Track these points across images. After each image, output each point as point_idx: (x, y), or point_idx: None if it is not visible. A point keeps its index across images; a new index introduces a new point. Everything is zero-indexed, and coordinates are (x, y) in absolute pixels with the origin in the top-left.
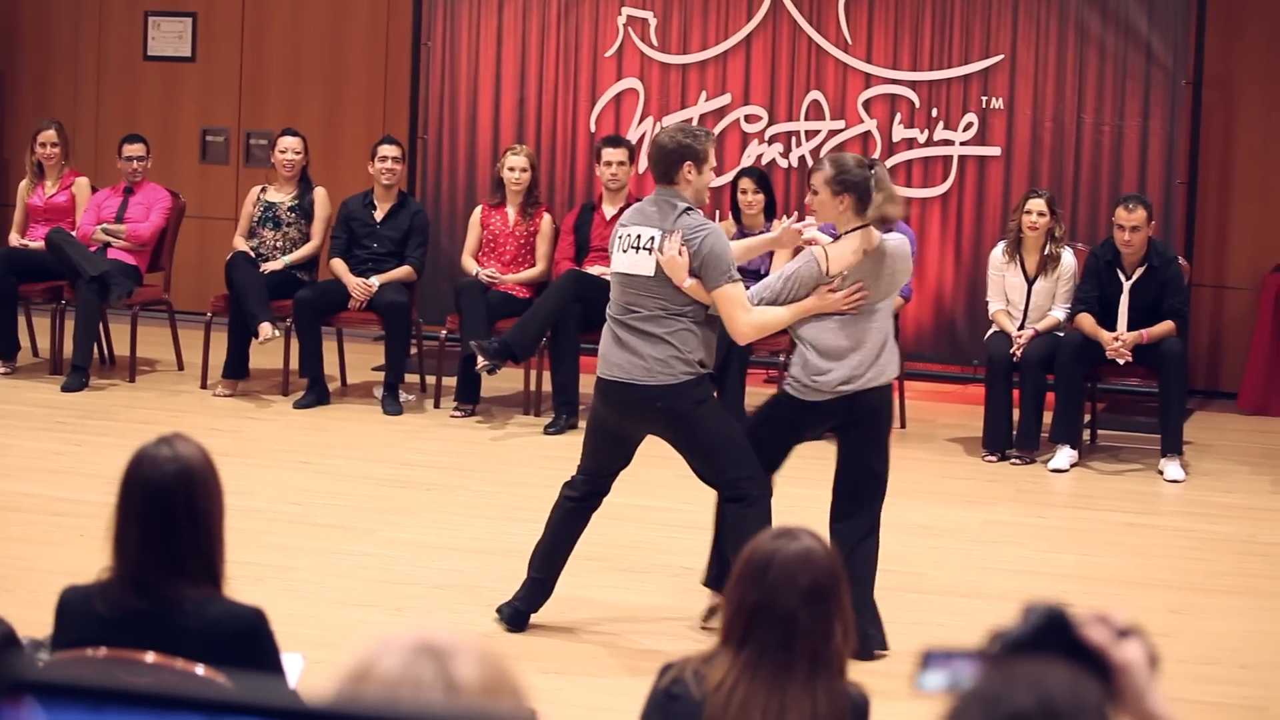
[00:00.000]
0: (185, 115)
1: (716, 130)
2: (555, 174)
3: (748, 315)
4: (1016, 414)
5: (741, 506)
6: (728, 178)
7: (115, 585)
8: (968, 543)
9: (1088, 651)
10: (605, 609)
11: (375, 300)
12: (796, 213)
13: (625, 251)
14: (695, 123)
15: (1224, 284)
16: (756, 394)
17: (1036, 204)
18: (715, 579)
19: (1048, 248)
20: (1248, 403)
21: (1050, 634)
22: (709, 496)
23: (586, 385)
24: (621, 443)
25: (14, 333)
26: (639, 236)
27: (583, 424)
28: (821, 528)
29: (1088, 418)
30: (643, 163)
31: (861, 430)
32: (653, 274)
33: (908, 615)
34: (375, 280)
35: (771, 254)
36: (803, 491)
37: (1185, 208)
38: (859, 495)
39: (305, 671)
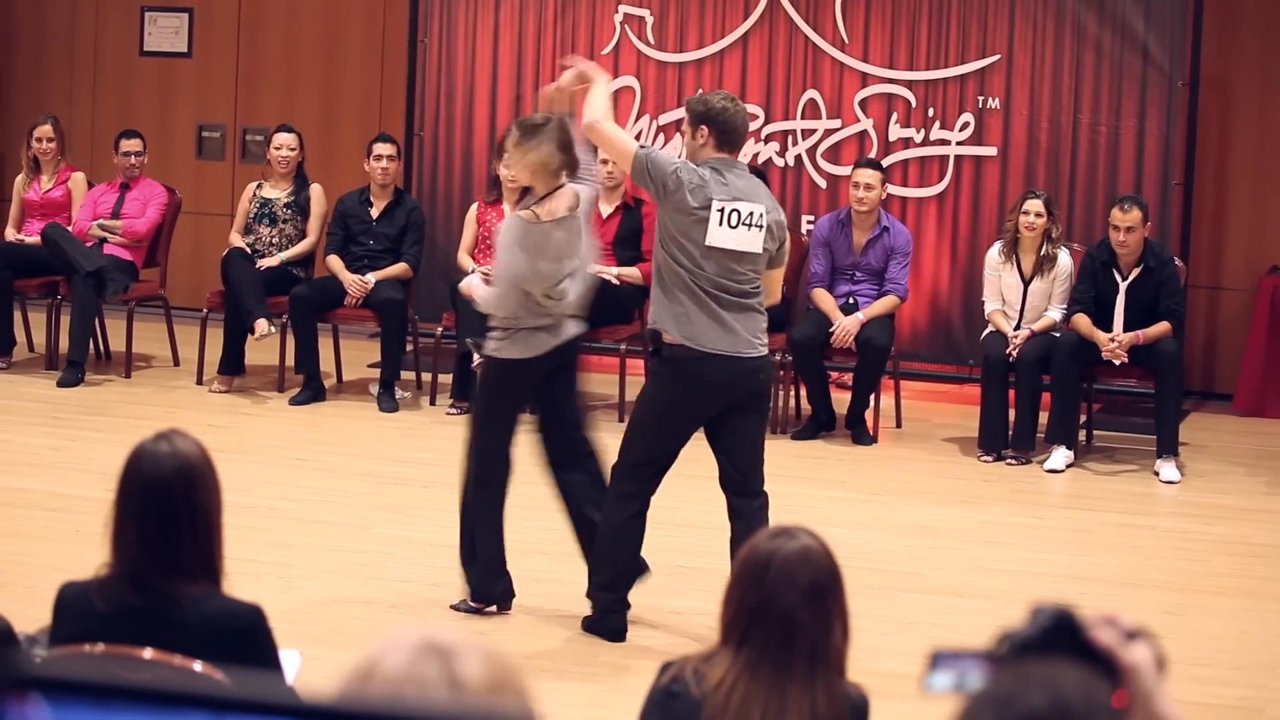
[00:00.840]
0: (181, 111)
1: None
2: None
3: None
4: (1012, 414)
5: (764, 500)
6: None
7: (114, 581)
8: (963, 543)
9: (1096, 653)
10: None
11: (371, 297)
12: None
13: (735, 228)
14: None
15: (1220, 285)
16: None
17: (1034, 204)
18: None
19: (1044, 248)
20: (1243, 404)
21: (1058, 635)
22: (704, 494)
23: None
24: (697, 424)
25: (10, 328)
26: (751, 214)
27: None
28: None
29: (1083, 418)
30: None
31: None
32: (760, 250)
33: (904, 615)
34: (371, 277)
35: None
36: (796, 490)
37: (1181, 209)
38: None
39: (302, 668)
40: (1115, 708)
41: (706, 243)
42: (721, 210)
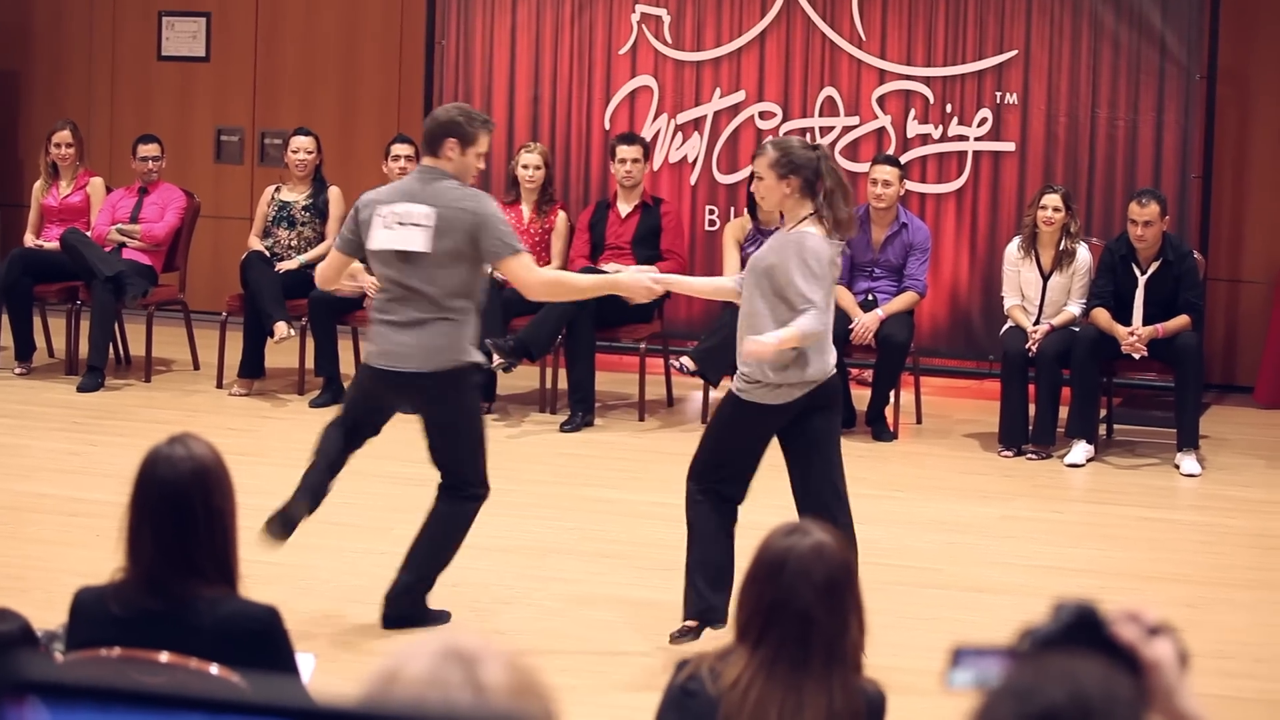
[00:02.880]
0: (200, 115)
1: (731, 127)
2: (570, 171)
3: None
4: (1032, 409)
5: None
6: (744, 173)
7: (130, 585)
8: (984, 538)
9: (1118, 649)
10: (621, 606)
11: None
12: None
13: (391, 228)
14: (710, 120)
15: (1239, 278)
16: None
17: (1052, 199)
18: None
19: (1063, 243)
20: (1264, 396)
21: (1081, 631)
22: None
23: (602, 383)
24: None
25: (29, 333)
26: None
27: (600, 422)
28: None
29: (1104, 412)
30: (657, 160)
31: None
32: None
33: (925, 610)
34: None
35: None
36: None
37: (1200, 202)
38: None
39: (318, 671)
40: (1136, 701)
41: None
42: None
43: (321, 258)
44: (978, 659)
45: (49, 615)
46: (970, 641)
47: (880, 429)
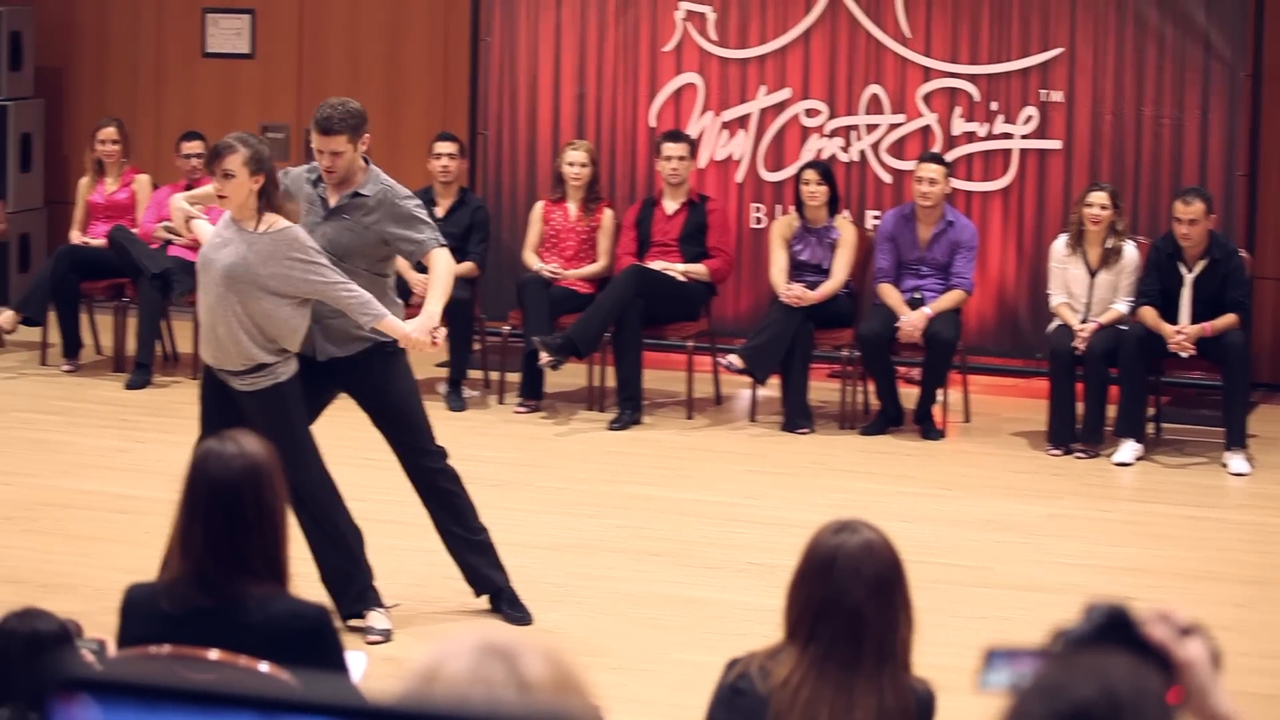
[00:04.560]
0: (244, 112)
1: (776, 125)
2: (615, 169)
3: None
4: (1080, 408)
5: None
6: (791, 171)
7: (180, 582)
8: (1032, 537)
9: (1150, 649)
10: (669, 604)
11: None
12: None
13: None
14: (755, 118)
15: None
16: (820, 389)
17: (1099, 197)
18: None
19: (1109, 241)
20: None
21: (1112, 632)
22: (772, 491)
23: (650, 380)
24: None
25: (77, 330)
26: None
27: (647, 420)
28: (887, 521)
29: (1151, 411)
30: (703, 157)
31: None
32: None
33: (973, 609)
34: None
35: (834, 249)
36: (864, 486)
37: (1246, 200)
38: None
39: (368, 669)
40: (1170, 704)
41: None
42: None
43: None
44: (1011, 660)
45: (97, 612)
46: (1002, 642)
47: (928, 427)
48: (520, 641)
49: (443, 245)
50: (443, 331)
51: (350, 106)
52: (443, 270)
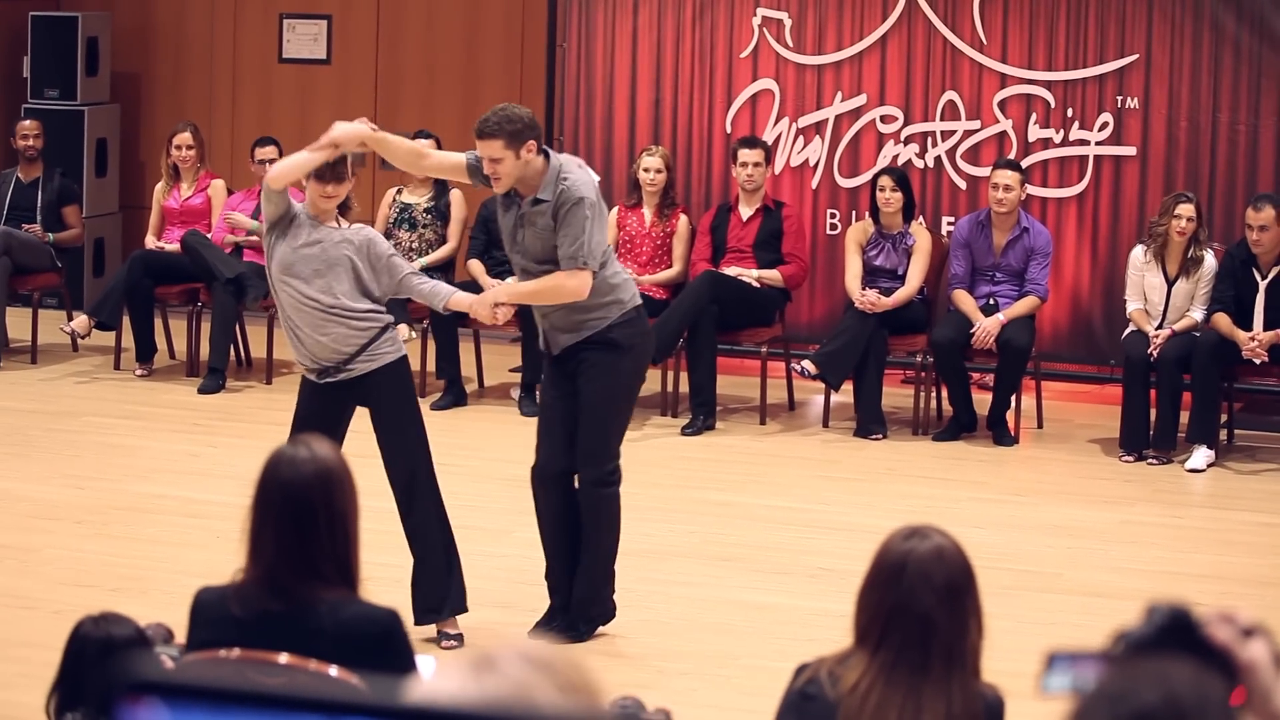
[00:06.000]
0: (320, 117)
1: (852, 131)
2: (691, 175)
3: None
4: (1154, 414)
5: None
6: (866, 177)
7: (251, 586)
8: (1104, 543)
9: (1212, 651)
10: (741, 610)
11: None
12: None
13: None
14: (831, 124)
15: None
16: (894, 394)
17: (1187, 209)
18: None
19: (1191, 250)
20: None
21: (1174, 634)
22: (844, 496)
23: (724, 386)
24: None
25: (150, 335)
26: None
27: (721, 425)
28: (959, 527)
29: (1225, 417)
30: (779, 163)
31: None
32: None
33: (1045, 615)
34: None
35: (909, 255)
36: (937, 492)
37: None
38: None
39: (438, 674)
40: (1232, 705)
41: None
42: None
43: (443, 260)
44: (1072, 664)
45: (168, 616)
46: (1064, 646)
47: (1001, 433)
48: (550, 655)
49: (581, 269)
50: (506, 310)
51: (509, 112)
52: (549, 278)
